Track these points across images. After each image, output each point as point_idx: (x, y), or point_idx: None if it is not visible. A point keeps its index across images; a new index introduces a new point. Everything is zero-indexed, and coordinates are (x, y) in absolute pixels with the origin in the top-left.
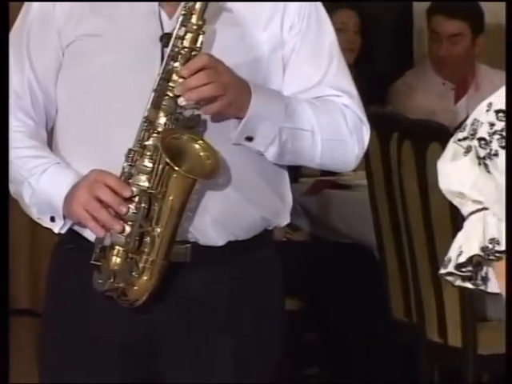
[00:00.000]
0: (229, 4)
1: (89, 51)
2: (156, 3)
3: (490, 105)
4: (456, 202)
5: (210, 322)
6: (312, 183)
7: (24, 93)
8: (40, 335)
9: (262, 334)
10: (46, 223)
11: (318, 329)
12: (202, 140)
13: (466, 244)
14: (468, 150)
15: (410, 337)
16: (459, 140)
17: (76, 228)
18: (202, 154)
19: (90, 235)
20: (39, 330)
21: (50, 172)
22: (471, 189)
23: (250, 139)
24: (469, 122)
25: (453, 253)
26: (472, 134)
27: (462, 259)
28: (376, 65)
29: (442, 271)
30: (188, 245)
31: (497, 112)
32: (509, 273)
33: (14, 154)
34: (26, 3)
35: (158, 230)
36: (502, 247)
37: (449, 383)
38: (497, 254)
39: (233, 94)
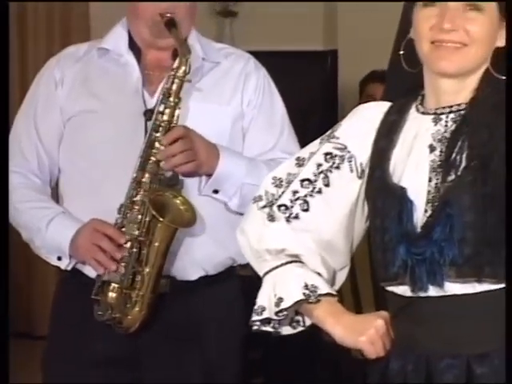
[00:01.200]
0: (199, 84)
1: (86, 124)
2: (140, 84)
3: (275, 178)
4: (261, 259)
5: (185, 342)
6: None
7: (32, 157)
8: (44, 355)
9: (228, 349)
10: (54, 262)
11: (261, 345)
12: (181, 196)
13: (283, 292)
14: (270, 214)
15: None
16: (262, 207)
17: (78, 266)
18: (181, 207)
19: (89, 272)
20: (41, 350)
21: (56, 221)
22: (291, 244)
23: (216, 192)
24: (262, 193)
25: (266, 302)
26: (269, 202)
27: (285, 305)
28: (306, 133)
29: (256, 318)
30: (168, 279)
31: (302, 181)
32: (509, 272)
33: (25, 206)
34: (34, 81)
35: (147, 269)
36: (323, 291)
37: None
38: (318, 298)
39: (203, 157)
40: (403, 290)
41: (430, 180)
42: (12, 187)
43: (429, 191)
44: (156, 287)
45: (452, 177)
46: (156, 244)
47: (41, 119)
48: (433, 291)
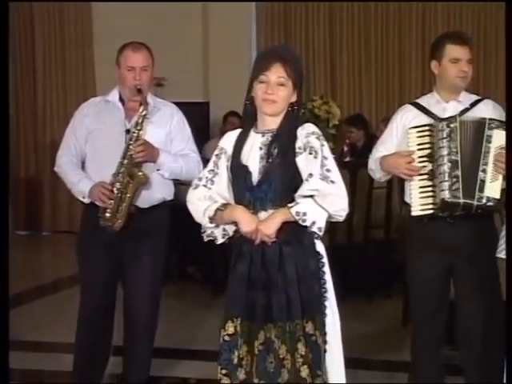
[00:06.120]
0: (151, 119)
1: (97, 135)
2: (123, 117)
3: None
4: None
5: (142, 239)
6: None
7: (73, 149)
8: (76, 244)
9: (159, 242)
10: (81, 198)
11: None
12: (142, 170)
13: (210, 213)
14: (197, 186)
15: None
16: (194, 188)
17: (92, 201)
18: (141, 175)
19: (98, 204)
20: (75, 243)
21: (83, 180)
22: (217, 195)
23: (158, 170)
24: (195, 182)
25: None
26: (197, 185)
27: (211, 214)
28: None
29: (207, 227)
30: (134, 207)
31: (208, 171)
32: (509, 273)
33: (69, 172)
34: (74, 115)
35: (124, 204)
36: (225, 202)
37: None
38: (225, 205)
39: (152, 154)
40: None
41: (260, 163)
42: (63, 162)
43: (259, 168)
44: (129, 211)
45: (270, 161)
46: (129, 192)
47: (77, 131)
48: (262, 213)
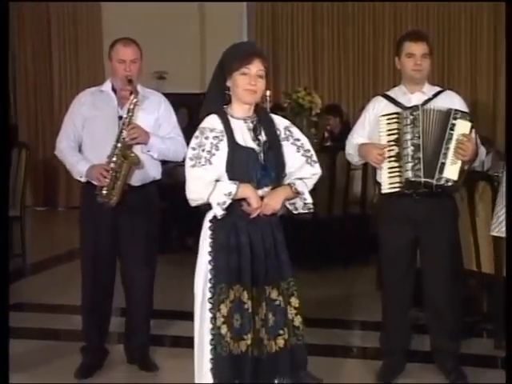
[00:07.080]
0: (141, 106)
1: (93, 121)
2: (116, 105)
3: (190, 158)
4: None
5: (136, 213)
6: (173, 166)
7: (71, 135)
8: (79, 219)
9: (150, 217)
10: (79, 178)
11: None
12: (133, 152)
13: (227, 190)
14: (196, 167)
15: None
16: (191, 166)
17: (89, 180)
18: (134, 156)
19: (94, 183)
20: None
21: (81, 162)
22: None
23: (148, 151)
24: (188, 162)
25: (223, 198)
26: (195, 164)
27: (234, 191)
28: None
29: (222, 206)
30: (128, 185)
31: (205, 151)
32: (509, 270)
33: (68, 156)
34: (72, 103)
35: (119, 182)
36: (237, 183)
37: None
38: (239, 185)
39: (143, 137)
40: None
41: (253, 145)
42: (63, 147)
43: (256, 149)
44: (123, 189)
45: (263, 144)
46: (123, 171)
47: (74, 119)
48: (264, 189)
